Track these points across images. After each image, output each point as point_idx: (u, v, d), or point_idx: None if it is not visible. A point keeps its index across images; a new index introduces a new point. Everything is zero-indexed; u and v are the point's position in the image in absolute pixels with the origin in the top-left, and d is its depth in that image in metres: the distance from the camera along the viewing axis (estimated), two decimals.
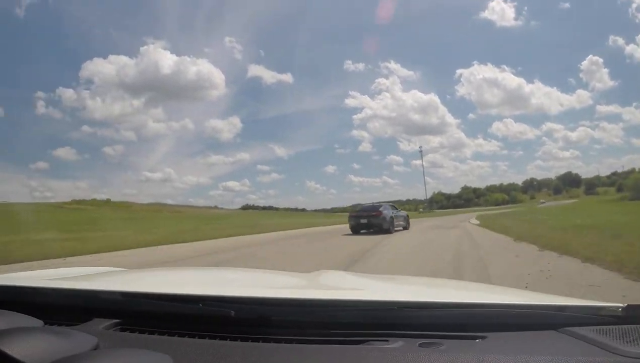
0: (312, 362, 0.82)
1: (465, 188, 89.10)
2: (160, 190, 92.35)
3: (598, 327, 0.90)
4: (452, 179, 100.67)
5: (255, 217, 51.02)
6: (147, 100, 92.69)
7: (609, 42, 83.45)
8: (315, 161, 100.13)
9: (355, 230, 16.01)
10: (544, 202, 58.58)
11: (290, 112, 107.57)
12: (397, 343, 0.88)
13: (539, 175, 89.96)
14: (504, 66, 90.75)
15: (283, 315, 0.95)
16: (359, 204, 21.35)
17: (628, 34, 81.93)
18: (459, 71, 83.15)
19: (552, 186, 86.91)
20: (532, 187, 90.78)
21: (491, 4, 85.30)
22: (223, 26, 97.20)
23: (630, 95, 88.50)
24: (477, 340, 0.89)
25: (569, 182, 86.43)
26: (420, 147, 76.05)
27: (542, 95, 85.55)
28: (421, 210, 71.11)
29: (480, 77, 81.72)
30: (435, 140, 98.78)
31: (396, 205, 19.25)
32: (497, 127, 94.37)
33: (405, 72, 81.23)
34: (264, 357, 0.84)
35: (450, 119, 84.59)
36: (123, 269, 2.08)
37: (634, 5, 71.10)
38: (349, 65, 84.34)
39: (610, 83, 75.79)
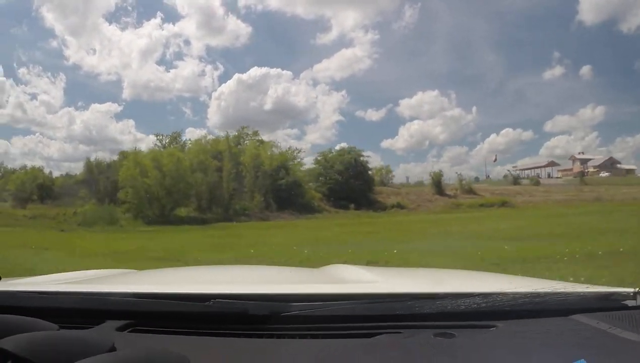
0: (327, 356, 0.82)
1: None
2: None
3: (608, 313, 0.88)
4: None
5: None
6: None
7: None
8: None
9: None
10: None
11: None
12: (410, 335, 0.87)
13: None
14: None
15: (296, 310, 0.94)
16: None
17: None
18: None
19: None
20: None
21: None
22: None
23: None
24: (490, 329, 0.88)
25: None
26: None
27: None
28: None
29: None
30: None
31: None
32: None
33: None
34: (279, 353, 0.84)
35: None
36: (133, 270, 2.12)
37: None
38: None
39: None
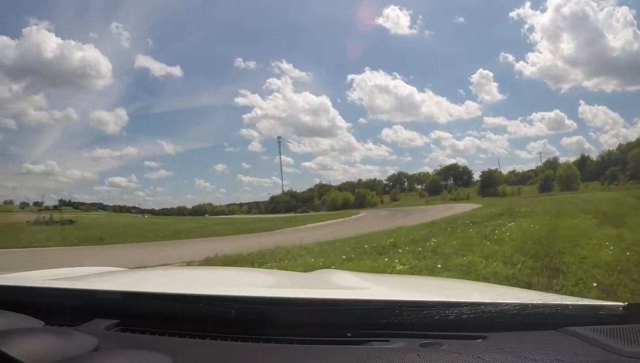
0: (313, 362, 0.82)
1: (319, 186, 78.94)
2: (42, 184, 79.14)
3: (598, 327, 0.89)
4: (342, 181, 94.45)
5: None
6: (27, 86, 72.40)
7: (500, 58, 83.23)
8: (204, 159, 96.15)
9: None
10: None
11: (180, 108, 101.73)
12: (398, 344, 0.87)
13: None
14: (396, 74, 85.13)
15: (284, 315, 0.94)
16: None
17: (518, 51, 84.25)
18: (350, 76, 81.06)
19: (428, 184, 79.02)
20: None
21: (386, 11, 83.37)
22: (109, 10, 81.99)
23: (517, 109, 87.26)
24: (478, 340, 0.88)
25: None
26: (279, 137, 73.19)
27: (433, 103, 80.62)
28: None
29: (372, 83, 78.71)
30: (325, 143, 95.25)
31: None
32: (386, 133, 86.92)
33: (297, 73, 79.07)
34: (265, 358, 0.84)
35: (341, 122, 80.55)
36: (124, 269, 2.10)
37: (526, 26, 77.23)
38: (239, 62, 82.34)
39: (499, 96, 77.36)
